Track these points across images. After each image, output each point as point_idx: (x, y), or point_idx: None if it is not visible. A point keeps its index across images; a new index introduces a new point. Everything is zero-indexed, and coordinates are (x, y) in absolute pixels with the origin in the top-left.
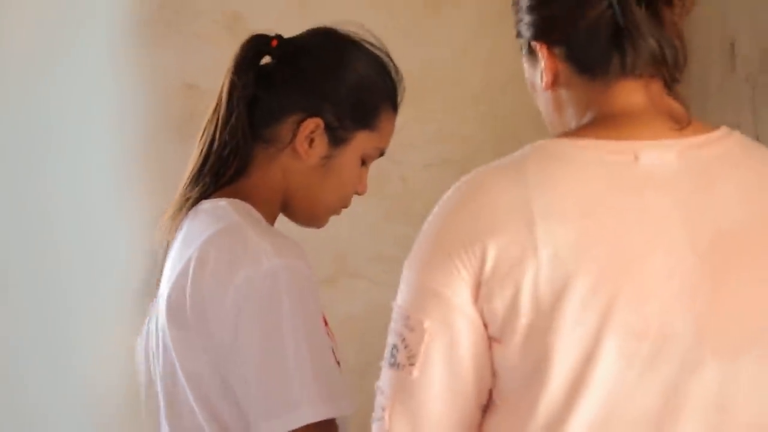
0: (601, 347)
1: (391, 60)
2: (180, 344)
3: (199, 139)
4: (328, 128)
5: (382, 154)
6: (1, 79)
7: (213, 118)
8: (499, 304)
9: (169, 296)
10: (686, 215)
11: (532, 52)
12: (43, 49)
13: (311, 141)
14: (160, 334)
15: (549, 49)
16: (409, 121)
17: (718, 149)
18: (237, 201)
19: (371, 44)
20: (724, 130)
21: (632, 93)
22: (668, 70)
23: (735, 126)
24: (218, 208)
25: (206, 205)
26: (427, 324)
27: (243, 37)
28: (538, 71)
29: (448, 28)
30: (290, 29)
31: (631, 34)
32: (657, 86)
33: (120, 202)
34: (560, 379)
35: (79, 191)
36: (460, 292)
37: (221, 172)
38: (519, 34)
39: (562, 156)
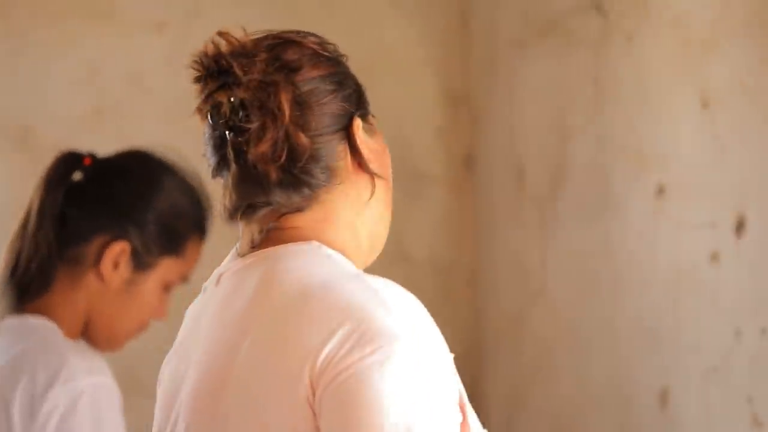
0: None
1: (204, 188)
2: None
3: (6, 252)
4: (134, 253)
5: (185, 280)
6: None
7: (21, 233)
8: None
9: None
10: (219, 322)
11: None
12: None
13: (116, 264)
14: None
15: None
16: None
17: (250, 261)
18: (42, 319)
19: (185, 171)
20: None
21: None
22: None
23: (524, 248)
24: (22, 325)
25: (11, 321)
26: None
27: (35, 151)
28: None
29: None
30: (83, 143)
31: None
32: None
33: None
34: None
35: None
36: None
37: (26, 287)
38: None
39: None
